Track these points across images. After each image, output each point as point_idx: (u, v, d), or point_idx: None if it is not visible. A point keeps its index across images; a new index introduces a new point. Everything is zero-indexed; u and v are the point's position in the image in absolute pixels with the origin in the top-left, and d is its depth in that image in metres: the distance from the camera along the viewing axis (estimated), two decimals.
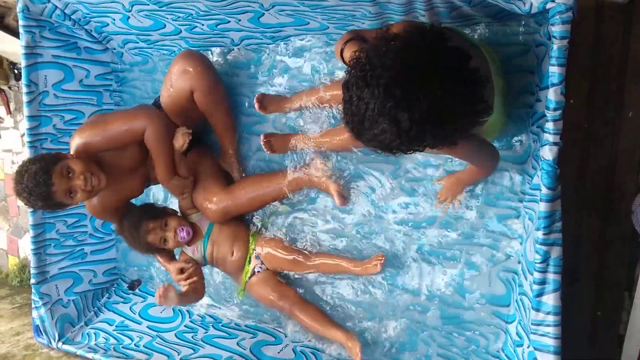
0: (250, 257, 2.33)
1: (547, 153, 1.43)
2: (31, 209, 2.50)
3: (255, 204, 2.34)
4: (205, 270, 2.48)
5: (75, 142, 2.09)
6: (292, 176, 2.24)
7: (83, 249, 2.78)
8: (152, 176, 2.32)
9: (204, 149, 2.48)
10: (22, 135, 3.74)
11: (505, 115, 1.70)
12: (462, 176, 1.89)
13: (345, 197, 2.17)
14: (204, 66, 2.19)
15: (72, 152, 2.10)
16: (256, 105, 2.29)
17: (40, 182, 1.92)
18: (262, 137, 2.29)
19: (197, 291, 2.28)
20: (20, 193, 1.98)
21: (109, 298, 2.85)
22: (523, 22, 1.75)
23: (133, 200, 2.40)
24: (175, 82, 2.19)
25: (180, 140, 2.20)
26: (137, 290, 2.86)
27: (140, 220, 2.23)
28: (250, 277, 2.32)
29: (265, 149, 2.30)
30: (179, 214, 2.39)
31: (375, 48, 1.13)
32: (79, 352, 2.50)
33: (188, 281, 2.24)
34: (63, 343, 2.58)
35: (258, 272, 2.32)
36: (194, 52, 2.25)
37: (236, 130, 2.41)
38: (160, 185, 2.40)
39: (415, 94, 1.06)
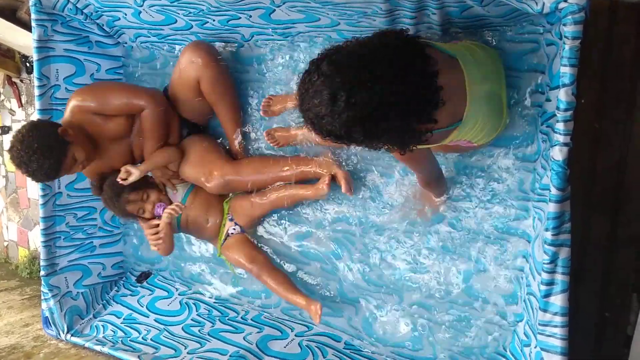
0: (225, 221, 2.41)
1: (557, 154, 1.42)
2: (42, 204, 2.55)
3: (257, 183, 2.32)
4: None
5: (73, 103, 2.22)
6: (300, 165, 2.24)
7: (92, 242, 2.81)
8: (137, 153, 2.39)
9: (207, 134, 2.54)
10: None
11: (495, 117, 1.63)
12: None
13: (351, 185, 2.15)
14: (211, 57, 2.23)
15: (67, 111, 2.22)
16: (262, 112, 2.35)
17: (51, 174, 2.10)
18: (264, 133, 2.34)
19: (165, 248, 2.35)
20: (26, 171, 2.07)
21: (117, 291, 2.87)
22: (534, 22, 1.74)
23: None
24: (182, 72, 2.25)
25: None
26: (144, 283, 2.88)
27: (122, 189, 2.30)
28: (224, 241, 2.40)
29: (271, 144, 2.34)
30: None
31: (348, 43, 1.22)
32: (87, 344, 2.52)
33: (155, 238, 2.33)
34: (72, 335, 2.61)
35: (232, 234, 2.40)
36: (201, 43, 2.28)
37: (241, 122, 2.42)
38: None
39: (364, 82, 1.12)
